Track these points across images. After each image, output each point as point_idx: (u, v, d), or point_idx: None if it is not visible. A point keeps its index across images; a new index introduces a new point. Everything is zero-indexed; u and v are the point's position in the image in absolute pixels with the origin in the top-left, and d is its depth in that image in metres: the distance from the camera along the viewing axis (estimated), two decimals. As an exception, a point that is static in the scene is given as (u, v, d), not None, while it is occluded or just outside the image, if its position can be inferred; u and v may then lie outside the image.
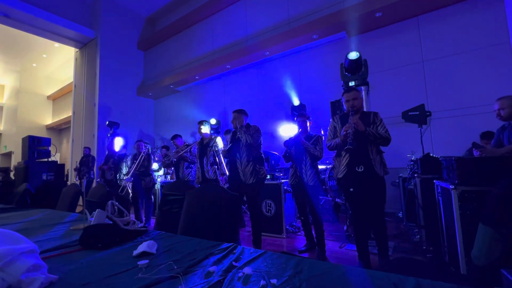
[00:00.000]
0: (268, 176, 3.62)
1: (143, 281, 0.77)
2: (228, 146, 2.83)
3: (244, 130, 2.72)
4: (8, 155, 12.46)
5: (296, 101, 5.10)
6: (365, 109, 3.05)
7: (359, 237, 2.23)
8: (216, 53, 6.87)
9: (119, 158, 4.79)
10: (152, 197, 5.31)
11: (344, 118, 2.35)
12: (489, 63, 3.93)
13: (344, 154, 2.24)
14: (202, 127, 3.52)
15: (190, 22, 7.59)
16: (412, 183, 3.06)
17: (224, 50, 6.69)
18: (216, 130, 5.99)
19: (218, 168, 3.33)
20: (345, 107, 2.34)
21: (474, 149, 2.35)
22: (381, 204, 2.18)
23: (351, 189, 2.21)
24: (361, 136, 2.13)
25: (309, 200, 2.67)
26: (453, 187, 1.90)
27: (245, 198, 2.83)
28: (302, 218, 2.83)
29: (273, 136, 5.60)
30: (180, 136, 4.22)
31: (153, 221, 4.44)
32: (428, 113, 3.08)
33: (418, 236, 2.89)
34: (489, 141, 2.74)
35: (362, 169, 2.13)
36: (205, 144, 3.37)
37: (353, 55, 3.05)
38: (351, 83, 3.15)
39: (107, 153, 5.26)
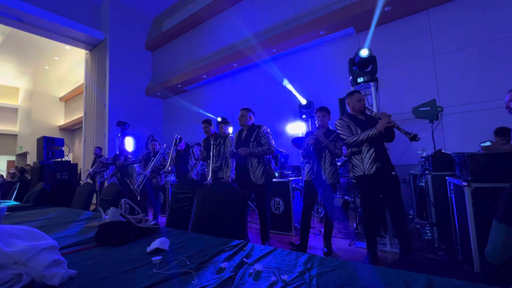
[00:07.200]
0: (277, 174, 3.62)
1: (158, 276, 0.79)
2: (233, 147, 2.87)
3: (254, 146, 2.75)
4: (23, 155, 12.87)
5: (303, 99, 5.07)
6: (374, 106, 3.01)
7: (373, 233, 2.34)
8: (223, 52, 6.88)
9: (125, 159, 4.91)
10: (162, 195, 5.40)
11: (352, 117, 2.47)
12: (502, 57, 3.80)
13: (366, 150, 2.31)
14: (210, 126, 3.60)
15: (196, 21, 7.62)
16: (423, 180, 3.01)
17: (231, 48, 6.69)
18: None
19: (228, 168, 3.34)
20: (354, 106, 2.46)
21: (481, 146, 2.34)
22: (400, 199, 2.28)
23: (381, 195, 2.34)
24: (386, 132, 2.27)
25: (324, 197, 2.69)
26: (466, 184, 1.86)
27: (253, 195, 2.85)
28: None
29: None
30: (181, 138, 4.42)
31: (160, 219, 4.52)
32: (440, 109, 3.02)
33: (430, 234, 2.84)
34: (504, 138, 2.62)
35: (380, 165, 2.25)
36: (213, 143, 3.39)
37: (365, 52, 2.98)
38: (360, 79, 3.11)
39: (117, 152, 5.37)
